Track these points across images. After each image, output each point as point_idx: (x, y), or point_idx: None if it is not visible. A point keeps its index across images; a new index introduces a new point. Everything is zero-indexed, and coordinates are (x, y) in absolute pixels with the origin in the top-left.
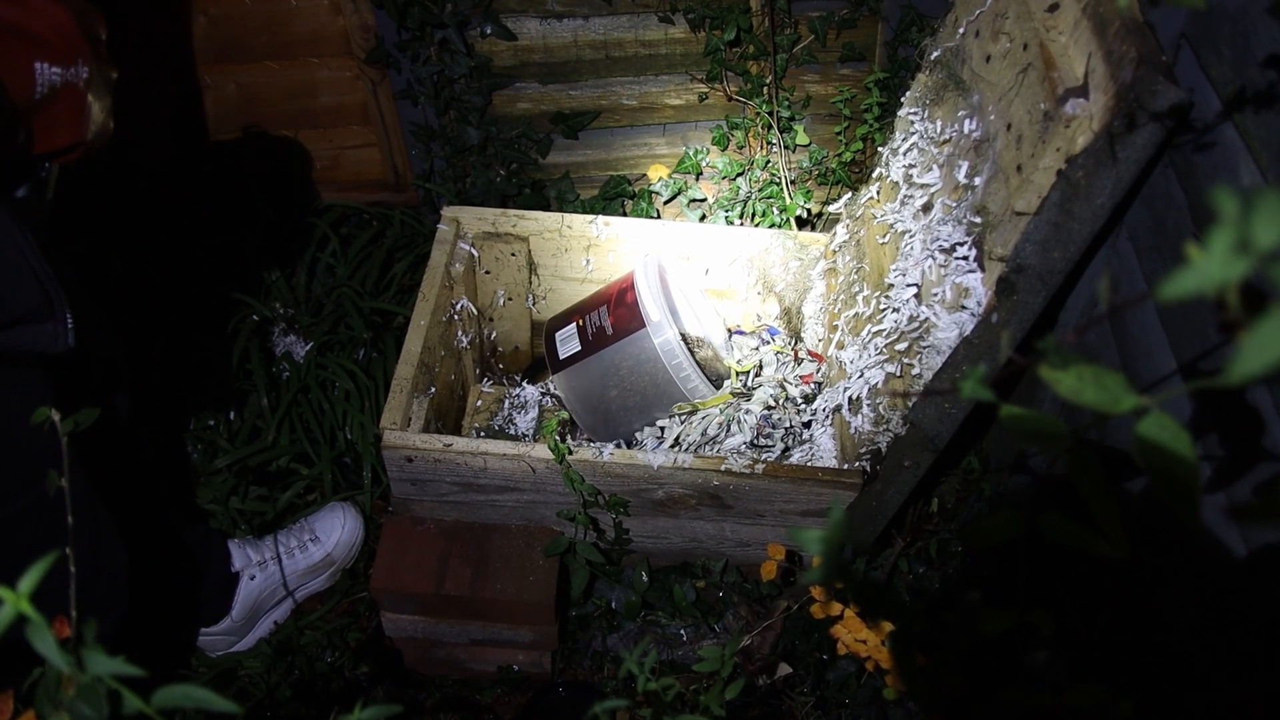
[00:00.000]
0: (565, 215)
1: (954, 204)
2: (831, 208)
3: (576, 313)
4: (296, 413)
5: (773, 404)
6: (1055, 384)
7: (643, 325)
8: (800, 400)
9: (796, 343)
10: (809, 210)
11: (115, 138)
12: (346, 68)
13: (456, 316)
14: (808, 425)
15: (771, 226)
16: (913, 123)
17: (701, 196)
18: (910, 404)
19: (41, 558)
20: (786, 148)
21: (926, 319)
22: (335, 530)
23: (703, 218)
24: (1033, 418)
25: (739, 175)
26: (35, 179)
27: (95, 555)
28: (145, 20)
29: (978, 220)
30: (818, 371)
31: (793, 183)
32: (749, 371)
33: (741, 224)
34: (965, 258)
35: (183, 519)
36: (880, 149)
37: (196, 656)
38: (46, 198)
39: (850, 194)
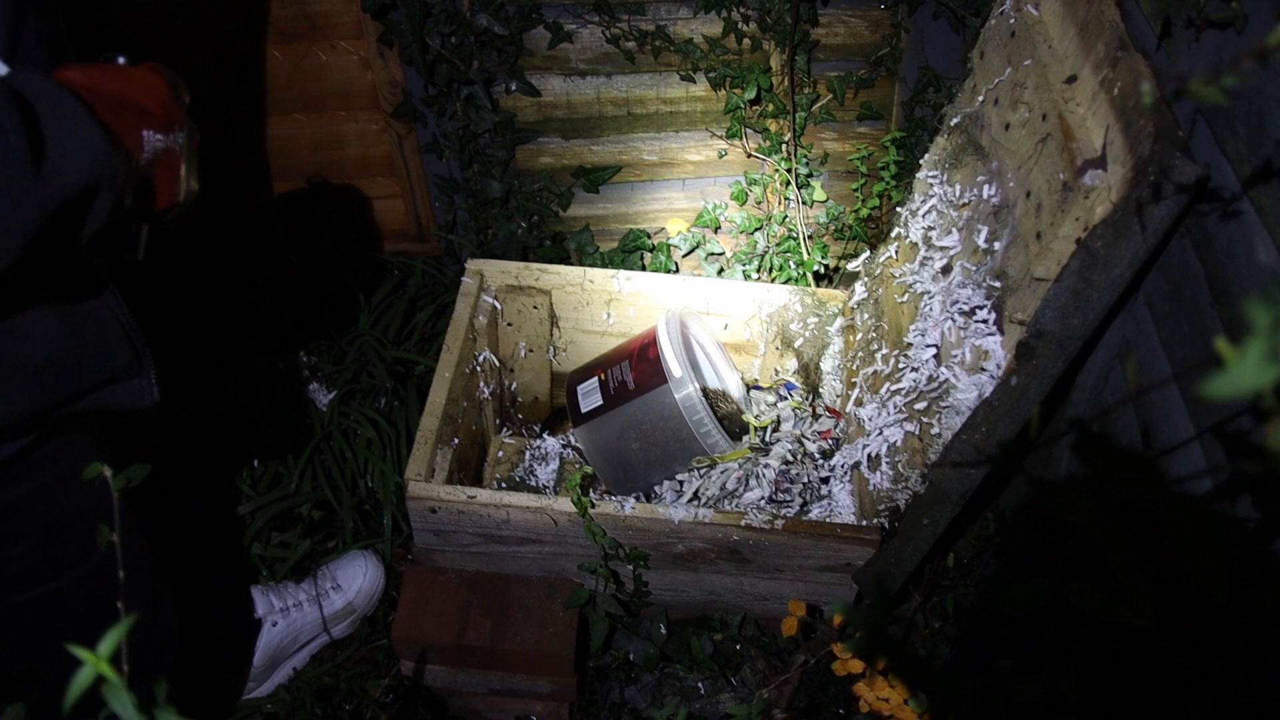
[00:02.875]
0: (587, 269)
1: (973, 267)
2: (849, 265)
3: (599, 366)
4: (319, 460)
5: (790, 459)
6: (1085, 463)
7: (665, 380)
8: (818, 456)
9: (814, 398)
10: (826, 265)
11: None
12: (373, 121)
13: (479, 368)
14: (825, 481)
15: (789, 280)
16: (932, 185)
17: (719, 250)
18: (929, 463)
19: (110, 619)
20: (804, 203)
21: (946, 380)
22: (357, 579)
23: (720, 271)
24: (1063, 491)
25: (757, 230)
26: (131, 242)
27: (155, 614)
28: (177, 70)
29: (997, 284)
30: (835, 428)
31: (810, 238)
32: (767, 426)
33: (759, 278)
34: (985, 321)
35: (207, 564)
36: (899, 209)
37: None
38: (139, 259)
39: (868, 251)
